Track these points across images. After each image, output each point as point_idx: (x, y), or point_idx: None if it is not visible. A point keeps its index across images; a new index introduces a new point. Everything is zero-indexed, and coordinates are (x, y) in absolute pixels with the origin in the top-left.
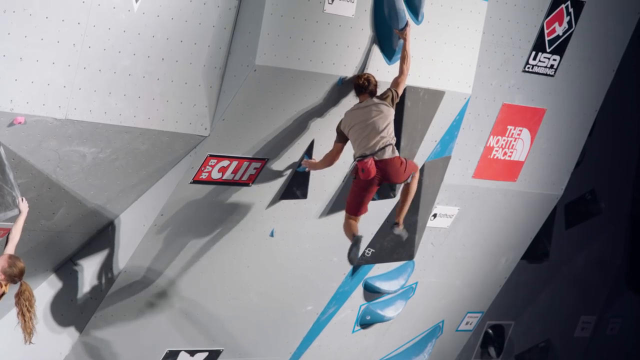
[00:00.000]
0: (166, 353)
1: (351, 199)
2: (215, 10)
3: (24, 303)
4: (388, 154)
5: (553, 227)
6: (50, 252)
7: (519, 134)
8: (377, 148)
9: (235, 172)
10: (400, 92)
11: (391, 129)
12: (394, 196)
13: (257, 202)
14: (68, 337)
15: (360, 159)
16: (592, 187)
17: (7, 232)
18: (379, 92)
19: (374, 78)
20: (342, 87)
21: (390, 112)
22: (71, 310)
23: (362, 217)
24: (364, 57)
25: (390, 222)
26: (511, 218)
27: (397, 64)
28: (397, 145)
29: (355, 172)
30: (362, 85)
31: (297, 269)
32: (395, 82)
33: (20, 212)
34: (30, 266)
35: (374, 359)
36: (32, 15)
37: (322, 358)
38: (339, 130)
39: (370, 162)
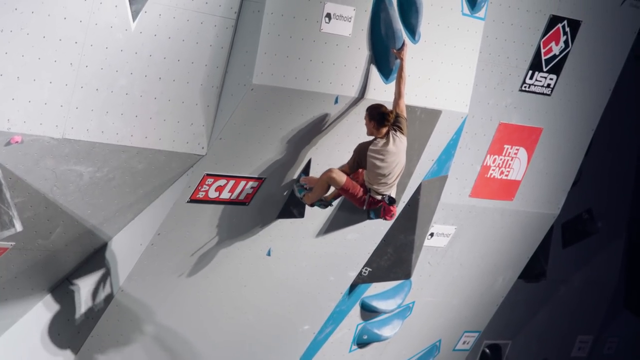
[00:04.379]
0: None
1: (350, 185)
2: (213, 30)
3: None
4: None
5: (550, 246)
6: (46, 272)
7: (515, 153)
8: (387, 194)
9: (232, 191)
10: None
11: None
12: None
13: (254, 221)
14: (64, 357)
15: (375, 194)
16: (589, 207)
17: (4, 252)
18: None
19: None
20: (339, 106)
21: (405, 146)
22: (68, 330)
23: (360, 238)
24: (361, 76)
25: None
26: (508, 237)
27: (394, 83)
28: None
29: (363, 197)
30: (389, 119)
31: (293, 288)
32: (400, 108)
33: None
34: (27, 286)
35: None
36: (30, 35)
37: None
38: (355, 162)
39: (386, 211)
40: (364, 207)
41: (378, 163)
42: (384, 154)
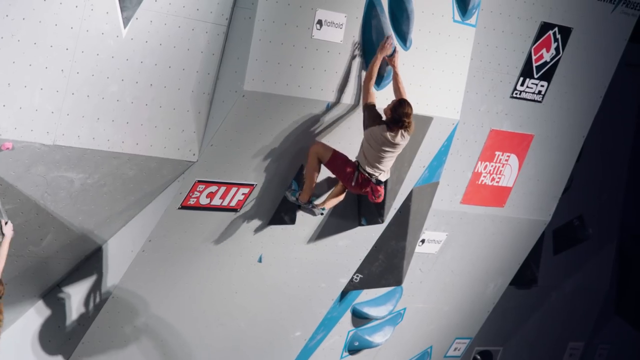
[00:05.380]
0: None
1: (336, 157)
2: (204, 36)
3: None
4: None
5: (541, 252)
6: (37, 278)
7: (507, 160)
8: (376, 175)
9: (223, 197)
10: None
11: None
12: (382, 222)
13: (245, 228)
14: None
15: (363, 171)
16: (580, 213)
17: None
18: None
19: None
20: (331, 113)
21: (406, 142)
22: (58, 337)
23: (351, 244)
24: (353, 83)
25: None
26: (499, 244)
27: (385, 89)
28: None
29: (352, 172)
30: (405, 124)
31: (285, 295)
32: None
33: (4, 235)
34: (18, 292)
35: None
36: (21, 41)
37: None
38: (370, 115)
39: (372, 189)
40: (352, 184)
41: (381, 147)
42: (386, 144)
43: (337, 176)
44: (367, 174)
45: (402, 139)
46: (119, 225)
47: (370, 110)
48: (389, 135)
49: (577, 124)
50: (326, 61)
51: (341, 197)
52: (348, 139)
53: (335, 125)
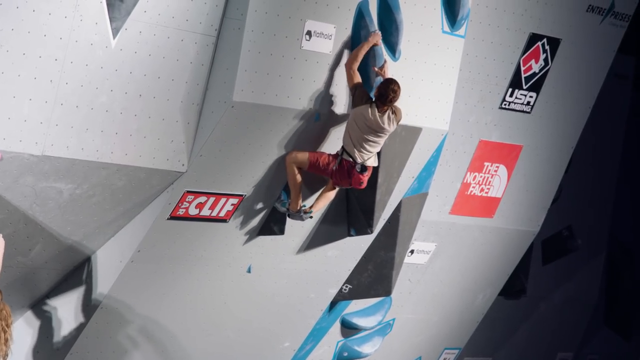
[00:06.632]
0: None
1: (313, 159)
2: (193, 47)
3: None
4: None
5: (530, 263)
6: (26, 289)
7: (495, 171)
8: (362, 160)
9: (212, 208)
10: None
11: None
12: (371, 232)
13: (234, 238)
14: None
15: (348, 157)
16: (568, 224)
17: None
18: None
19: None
20: (320, 123)
21: (392, 131)
22: (47, 348)
23: (340, 255)
24: (342, 93)
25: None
26: (488, 254)
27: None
28: (375, 181)
29: (336, 162)
30: (390, 98)
31: (274, 305)
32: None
33: None
34: (6, 303)
35: None
36: (9, 52)
37: None
38: (359, 94)
39: (354, 177)
40: (335, 169)
41: (367, 126)
42: (372, 125)
43: (323, 174)
44: (351, 159)
45: (389, 124)
46: (108, 236)
47: (358, 90)
48: (377, 113)
49: (566, 135)
50: (315, 72)
51: (331, 196)
52: (337, 148)
53: (325, 135)
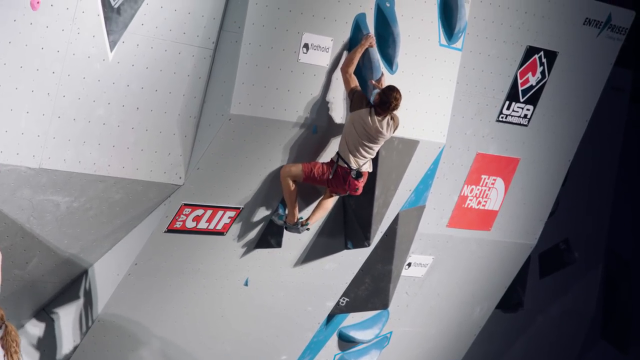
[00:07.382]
0: None
1: (308, 168)
2: (190, 60)
3: (10, 344)
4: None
5: (527, 276)
6: (23, 302)
7: (493, 183)
8: (358, 167)
9: (209, 221)
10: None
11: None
12: (368, 245)
13: (232, 251)
14: None
15: (343, 164)
16: (566, 237)
17: None
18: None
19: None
20: (317, 136)
21: (388, 137)
22: None
23: (337, 268)
24: (340, 106)
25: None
26: (485, 267)
27: None
28: (372, 194)
29: (331, 169)
30: (392, 105)
31: (271, 318)
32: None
33: None
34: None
35: None
36: (7, 65)
37: None
38: (357, 98)
39: (349, 183)
40: (331, 177)
41: (365, 131)
42: (371, 130)
43: (319, 184)
44: (346, 165)
45: (388, 129)
46: (105, 249)
47: (356, 94)
48: (376, 119)
49: (563, 148)
50: (312, 85)
51: (328, 207)
52: (332, 155)
53: (323, 148)
